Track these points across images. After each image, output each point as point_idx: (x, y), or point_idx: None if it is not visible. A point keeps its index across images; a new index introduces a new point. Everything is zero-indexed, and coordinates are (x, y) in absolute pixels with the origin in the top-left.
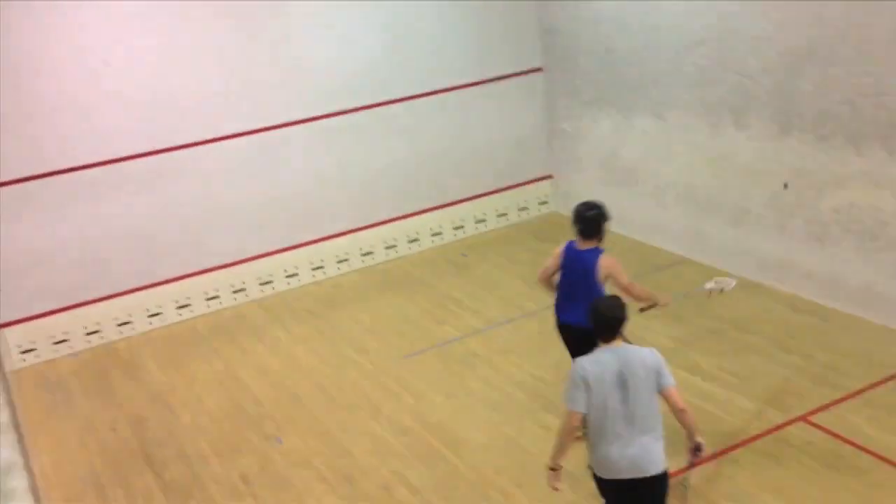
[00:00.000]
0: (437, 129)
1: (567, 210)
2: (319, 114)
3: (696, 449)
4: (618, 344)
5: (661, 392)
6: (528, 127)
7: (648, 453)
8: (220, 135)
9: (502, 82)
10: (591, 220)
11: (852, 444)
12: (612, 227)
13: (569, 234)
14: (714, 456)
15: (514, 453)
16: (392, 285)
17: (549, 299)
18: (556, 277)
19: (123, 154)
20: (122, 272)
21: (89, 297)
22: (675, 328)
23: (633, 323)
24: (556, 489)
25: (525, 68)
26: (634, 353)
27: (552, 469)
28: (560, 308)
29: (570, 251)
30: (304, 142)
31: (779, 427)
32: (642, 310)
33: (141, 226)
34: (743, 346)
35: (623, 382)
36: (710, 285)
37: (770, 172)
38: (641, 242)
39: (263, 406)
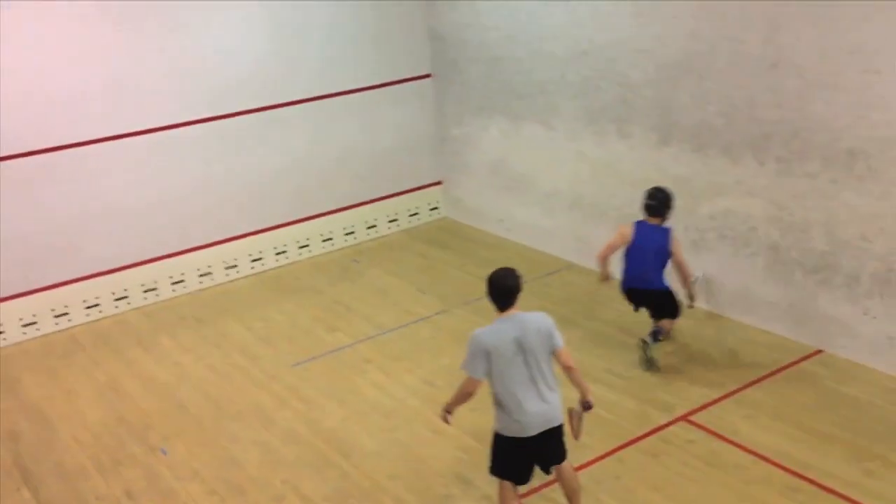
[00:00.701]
0: (327, 133)
1: (457, 216)
2: (207, 116)
3: (586, 406)
4: (513, 312)
5: (553, 353)
6: (419, 132)
7: (553, 407)
8: (101, 136)
9: (393, 88)
10: (662, 198)
11: (730, 441)
12: (501, 232)
13: (459, 240)
14: (601, 457)
15: (407, 459)
16: (282, 291)
17: (438, 305)
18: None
19: None
20: None
21: None
22: (564, 331)
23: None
24: (447, 422)
25: (415, 74)
26: (529, 319)
27: (447, 412)
28: (630, 277)
29: (642, 227)
30: (191, 144)
31: (661, 427)
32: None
33: (13, 230)
34: (626, 349)
35: (521, 347)
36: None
37: (651, 180)
38: (530, 248)
39: (148, 417)
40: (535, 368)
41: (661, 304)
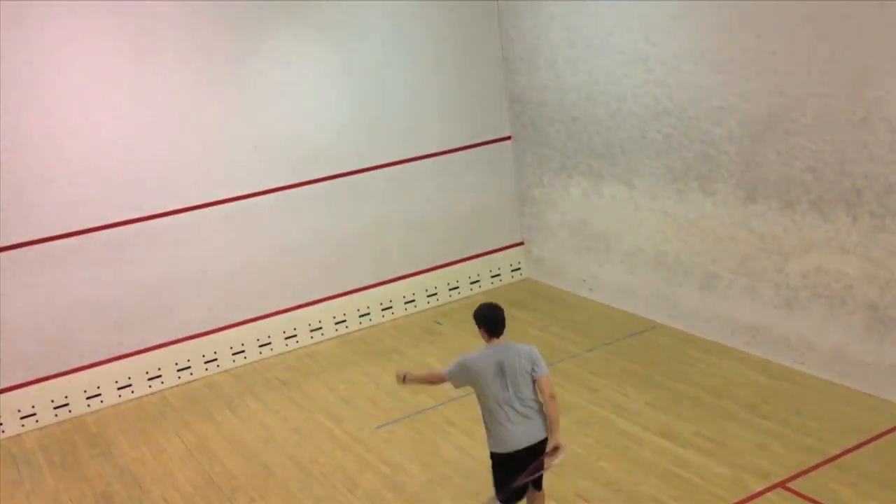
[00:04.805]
0: (410, 196)
1: (539, 276)
2: (291, 182)
3: (554, 449)
4: (501, 340)
5: (535, 380)
6: (500, 194)
7: (535, 425)
8: (190, 204)
9: (474, 150)
10: None
11: None
12: (584, 292)
13: (541, 300)
14: None
15: None
16: (366, 353)
17: None
18: None
19: (91, 225)
20: (91, 343)
21: (57, 370)
22: (649, 393)
23: (608, 388)
24: (400, 382)
25: (495, 136)
26: (514, 347)
27: (404, 377)
28: None
29: None
30: (276, 210)
31: (756, 494)
32: None
33: (109, 296)
34: (718, 411)
35: (501, 370)
36: None
37: (738, 238)
38: (613, 307)
39: (235, 479)
40: (514, 390)
41: None
